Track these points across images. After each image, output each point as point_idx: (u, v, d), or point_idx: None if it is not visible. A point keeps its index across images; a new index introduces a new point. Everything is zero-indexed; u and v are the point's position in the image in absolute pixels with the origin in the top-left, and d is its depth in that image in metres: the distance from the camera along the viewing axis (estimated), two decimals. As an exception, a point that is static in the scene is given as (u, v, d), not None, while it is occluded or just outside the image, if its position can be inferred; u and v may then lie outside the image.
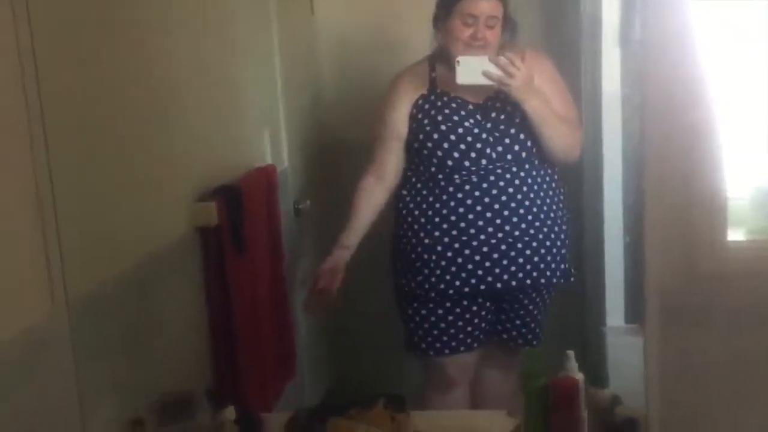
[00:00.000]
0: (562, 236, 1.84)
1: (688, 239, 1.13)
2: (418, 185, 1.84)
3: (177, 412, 1.43)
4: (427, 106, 1.80)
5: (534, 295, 1.86)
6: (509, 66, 1.66)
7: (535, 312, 1.88)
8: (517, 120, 1.76)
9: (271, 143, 2.12)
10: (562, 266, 1.83)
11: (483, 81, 1.69)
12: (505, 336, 1.90)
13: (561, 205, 1.85)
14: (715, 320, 1.16)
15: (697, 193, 1.10)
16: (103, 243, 1.30)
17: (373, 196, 1.85)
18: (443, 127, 1.77)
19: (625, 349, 2.01)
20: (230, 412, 1.24)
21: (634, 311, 2.05)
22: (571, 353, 1.28)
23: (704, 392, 1.17)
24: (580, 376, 1.20)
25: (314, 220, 2.33)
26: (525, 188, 1.78)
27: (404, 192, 1.87)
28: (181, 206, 1.59)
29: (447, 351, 1.83)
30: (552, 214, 1.81)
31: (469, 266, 1.77)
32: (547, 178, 1.82)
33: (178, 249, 1.57)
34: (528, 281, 1.78)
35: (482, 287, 1.77)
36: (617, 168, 2.05)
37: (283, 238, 1.97)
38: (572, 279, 1.88)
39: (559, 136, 1.78)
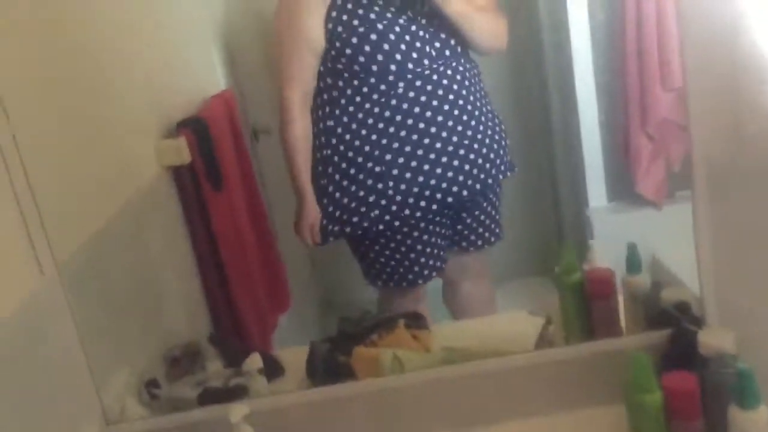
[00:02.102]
0: (502, 127, 1.72)
1: (732, 104, 1.06)
2: (350, 108, 1.60)
3: (187, 364, 1.37)
4: (350, 6, 1.57)
5: (489, 194, 1.75)
6: None
7: (490, 209, 1.78)
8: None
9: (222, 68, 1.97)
10: (506, 159, 1.72)
11: None
12: (464, 244, 1.77)
13: (488, 98, 1.71)
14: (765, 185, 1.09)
15: (739, 56, 1.03)
16: (79, 201, 1.18)
17: (307, 118, 1.62)
18: (380, 26, 1.56)
19: (611, 227, 2.02)
20: (255, 361, 1.16)
21: (616, 189, 2.05)
22: (593, 243, 1.24)
23: (756, 262, 1.12)
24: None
25: (273, 142, 2.20)
26: (467, 83, 1.63)
27: (331, 123, 1.63)
28: (149, 147, 1.45)
29: (420, 281, 1.70)
30: (489, 107, 1.69)
31: (432, 180, 1.61)
32: (475, 71, 1.67)
33: (154, 192, 1.46)
34: (489, 180, 1.68)
35: (445, 197, 1.63)
36: (586, 47, 1.98)
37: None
38: (516, 169, 1.76)
39: (484, 31, 1.63)
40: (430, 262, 1.72)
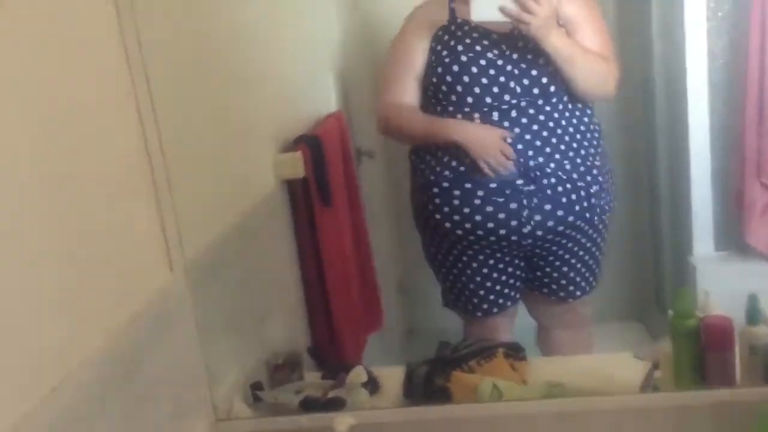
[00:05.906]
0: (600, 178, 1.63)
1: None
2: None
3: (288, 372, 1.41)
4: (446, 37, 1.62)
5: (566, 242, 1.66)
6: (529, 2, 1.46)
7: (573, 260, 1.69)
8: None
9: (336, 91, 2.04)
10: (595, 210, 1.64)
11: (499, 17, 1.49)
12: (545, 291, 1.72)
13: (596, 143, 1.63)
14: None
15: None
16: (208, 206, 1.25)
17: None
18: (464, 58, 1.58)
19: (716, 277, 1.95)
20: (359, 375, 1.19)
21: (725, 238, 1.99)
22: (707, 290, 1.22)
23: None
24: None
25: (376, 165, 2.25)
26: (551, 124, 1.58)
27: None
28: (268, 159, 1.52)
29: (479, 313, 1.71)
30: (583, 152, 1.61)
31: (490, 213, 1.59)
32: (577, 113, 1.61)
33: (270, 203, 1.52)
34: (559, 228, 1.60)
35: (504, 234, 1.60)
36: (703, 92, 1.94)
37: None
38: (606, 220, 1.69)
39: (587, 74, 1.57)
40: (491, 297, 1.70)
